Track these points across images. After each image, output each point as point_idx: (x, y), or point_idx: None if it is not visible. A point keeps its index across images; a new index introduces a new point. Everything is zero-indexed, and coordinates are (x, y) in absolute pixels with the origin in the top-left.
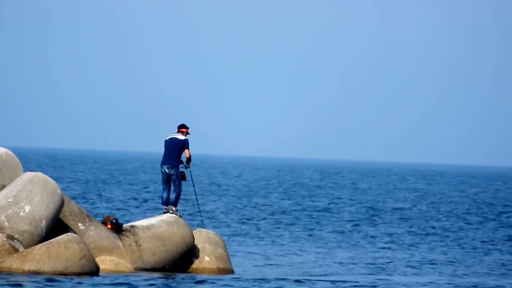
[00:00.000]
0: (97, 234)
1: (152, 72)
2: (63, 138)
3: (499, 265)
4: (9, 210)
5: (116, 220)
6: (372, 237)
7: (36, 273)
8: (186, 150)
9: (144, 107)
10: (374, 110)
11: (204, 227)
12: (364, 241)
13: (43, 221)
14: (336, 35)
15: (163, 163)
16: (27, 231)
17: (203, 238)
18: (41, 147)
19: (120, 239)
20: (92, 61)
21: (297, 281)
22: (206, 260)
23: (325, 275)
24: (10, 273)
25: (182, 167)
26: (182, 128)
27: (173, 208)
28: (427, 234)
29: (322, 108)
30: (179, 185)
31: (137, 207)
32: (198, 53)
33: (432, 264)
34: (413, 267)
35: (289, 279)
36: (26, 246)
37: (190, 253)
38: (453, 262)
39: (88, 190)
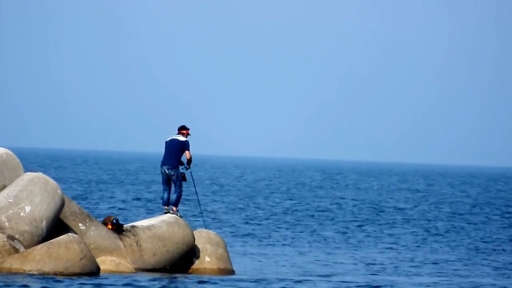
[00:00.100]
0: (98, 234)
1: (152, 72)
2: (64, 138)
3: (501, 266)
4: (10, 211)
5: (117, 220)
6: (374, 237)
7: (37, 273)
8: (186, 152)
9: (144, 107)
10: (375, 110)
11: (206, 228)
12: (366, 242)
13: (44, 221)
14: (336, 35)
15: (163, 163)
16: (27, 232)
17: (204, 238)
18: (41, 147)
19: (121, 239)
20: (92, 61)
21: (298, 281)
22: (206, 261)
23: (327, 275)
24: (11, 273)
25: (182, 169)
26: (183, 129)
27: (174, 209)
28: (429, 235)
29: (323, 108)
30: (180, 186)
31: (138, 207)
32: (198, 53)
33: (435, 264)
34: (415, 267)
35: (290, 280)
36: (27, 247)
37: (190, 253)
38: (456, 262)
39: (90, 190)
